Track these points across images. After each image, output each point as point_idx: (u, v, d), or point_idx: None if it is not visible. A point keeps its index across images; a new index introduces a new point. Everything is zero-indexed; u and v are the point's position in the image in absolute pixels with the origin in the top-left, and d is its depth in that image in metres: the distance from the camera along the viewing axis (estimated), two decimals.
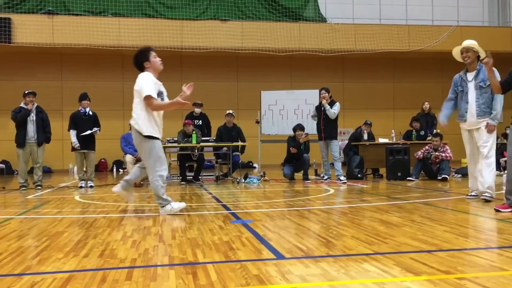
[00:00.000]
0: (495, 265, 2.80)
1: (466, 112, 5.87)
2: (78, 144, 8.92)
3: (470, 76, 5.90)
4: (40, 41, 14.45)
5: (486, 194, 5.62)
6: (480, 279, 2.47)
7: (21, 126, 8.65)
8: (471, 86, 5.86)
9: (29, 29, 14.35)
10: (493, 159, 5.71)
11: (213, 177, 10.50)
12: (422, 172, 9.73)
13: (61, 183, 10.29)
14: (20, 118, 8.58)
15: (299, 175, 10.05)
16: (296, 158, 9.90)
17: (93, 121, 9.08)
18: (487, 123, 5.68)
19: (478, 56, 5.86)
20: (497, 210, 4.85)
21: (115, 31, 14.92)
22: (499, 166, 10.25)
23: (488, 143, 5.68)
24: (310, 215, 5.06)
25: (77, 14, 14.95)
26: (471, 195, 6.08)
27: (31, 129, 8.68)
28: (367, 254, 3.08)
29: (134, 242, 3.62)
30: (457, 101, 6.06)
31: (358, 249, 3.25)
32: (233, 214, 5.09)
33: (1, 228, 4.37)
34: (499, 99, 5.66)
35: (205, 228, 4.17)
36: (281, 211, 5.42)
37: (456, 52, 6.04)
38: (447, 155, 9.42)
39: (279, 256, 3.10)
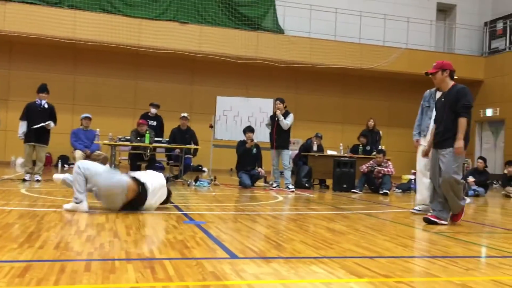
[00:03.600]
0: (429, 272, 3.08)
1: (427, 127, 6.09)
2: (22, 137, 8.68)
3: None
4: None
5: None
6: (415, 284, 2.74)
7: None
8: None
9: None
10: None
11: None
12: (365, 185, 10.19)
13: (3, 176, 9.95)
14: None
15: None
16: (249, 163, 10.02)
17: (49, 114, 8.79)
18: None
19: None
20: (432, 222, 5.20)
21: (70, 24, 14.59)
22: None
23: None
24: (261, 219, 5.25)
25: (31, 3, 14.49)
26: (415, 209, 6.16)
27: None
28: (315, 258, 3.29)
29: (88, 236, 3.66)
30: (421, 116, 6.26)
31: (307, 252, 3.47)
32: (185, 215, 5.19)
33: None
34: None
35: (159, 227, 4.26)
36: (232, 214, 5.58)
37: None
38: (389, 170, 9.92)
39: (233, 255, 3.25)
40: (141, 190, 5.10)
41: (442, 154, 5.24)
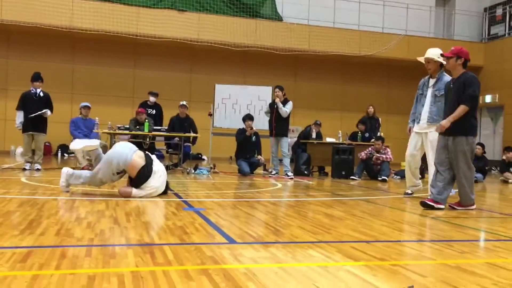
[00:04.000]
0: (424, 255, 3.13)
1: (420, 114, 6.25)
2: (20, 127, 8.71)
3: (431, 82, 6.23)
4: None
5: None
6: (410, 266, 2.78)
7: None
8: (429, 92, 6.20)
9: None
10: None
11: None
12: (364, 172, 10.23)
13: (3, 165, 9.99)
14: None
15: None
16: (248, 151, 10.06)
17: (45, 102, 8.81)
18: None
19: (442, 64, 6.13)
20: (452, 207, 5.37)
21: (67, 12, 14.53)
22: None
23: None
24: (259, 206, 5.30)
25: None
26: (407, 193, 6.55)
27: None
28: (312, 242, 3.34)
29: (89, 223, 3.71)
30: (416, 104, 6.41)
31: (304, 237, 3.51)
32: (185, 202, 5.24)
33: None
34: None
35: (159, 214, 4.31)
36: (231, 201, 5.63)
37: (421, 59, 6.31)
38: (388, 156, 9.96)
39: (231, 240, 3.30)
40: (146, 169, 5.23)
41: (450, 140, 5.36)
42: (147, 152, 5.53)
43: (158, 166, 5.44)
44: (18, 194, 5.36)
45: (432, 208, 5.25)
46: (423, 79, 6.46)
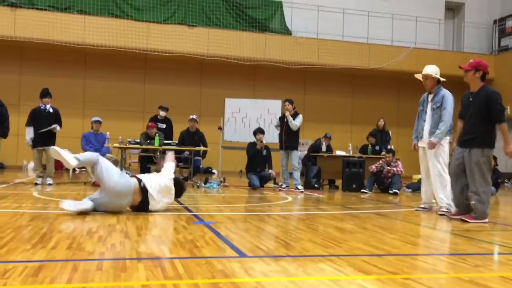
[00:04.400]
0: (437, 269, 3.10)
1: (423, 130, 6.39)
2: (31, 143, 8.81)
3: (430, 97, 6.40)
4: (1, 33, 14.11)
5: (443, 209, 6.04)
6: (423, 280, 2.75)
7: None
8: (428, 107, 6.37)
9: None
10: (445, 177, 6.09)
11: None
12: (375, 185, 10.17)
13: (15, 179, 10.08)
14: None
15: None
16: (259, 165, 10.05)
17: (54, 118, 8.93)
18: (429, 140, 6.14)
19: (439, 80, 6.33)
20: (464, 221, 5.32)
21: (79, 29, 14.76)
22: None
23: (436, 161, 6.13)
24: (270, 219, 5.28)
25: (41, 9, 14.69)
26: (420, 207, 6.55)
27: None
28: (323, 256, 3.31)
29: (100, 237, 3.72)
30: (418, 121, 6.55)
31: (315, 251, 3.49)
32: (195, 215, 5.24)
33: None
34: (446, 120, 6.11)
35: (169, 227, 4.31)
36: (241, 215, 5.62)
37: (418, 76, 6.49)
38: (399, 169, 9.90)
39: (242, 254, 3.29)
40: (143, 196, 5.14)
41: (466, 152, 5.41)
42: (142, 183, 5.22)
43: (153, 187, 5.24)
44: (30, 208, 5.40)
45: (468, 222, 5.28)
46: (422, 95, 6.58)
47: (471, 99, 5.51)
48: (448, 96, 6.20)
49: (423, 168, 6.49)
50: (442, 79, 6.34)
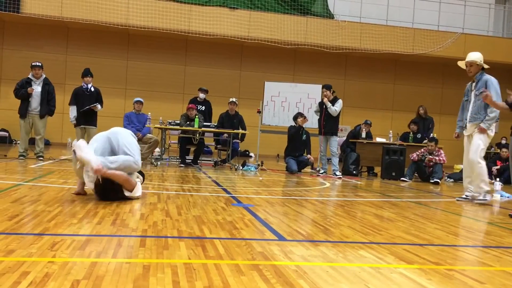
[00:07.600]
0: (481, 261, 3.01)
1: (467, 119, 6.26)
2: (74, 121, 9.07)
3: (473, 86, 6.25)
4: (48, 13, 14.51)
5: (479, 198, 5.92)
6: (467, 272, 2.68)
7: (24, 97, 8.75)
8: (472, 95, 6.22)
9: (38, 1, 14.40)
10: (482, 165, 5.97)
11: (211, 162, 10.70)
12: (415, 173, 9.96)
13: (61, 156, 10.43)
14: (19, 96, 8.72)
15: None
16: (298, 149, 10.01)
17: (96, 97, 9.16)
18: (479, 126, 5.99)
19: (483, 68, 6.15)
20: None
21: (123, 10, 14.98)
22: (491, 175, 10.50)
23: (475, 147, 5.98)
24: (308, 204, 5.27)
25: None
26: (462, 198, 6.39)
27: (35, 100, 8.77)
28: (363, 243, 3.28)
29: (142, 215, 3.81)
30: (462, 111, 6.42)
31: (355, 237, 3.46)
32: (234, 197, 5.28)
33: (12, 193, 4.54)
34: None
35: (209, 208, 4.36)
36: (279, 198, 5.63)
37: (461, 64, 6.30)
38: (441, 158, 9.64)
39: (281, 237, 3.29)
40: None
41: None
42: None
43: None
44: (75, 184, 5.56)
45: None
46: (467, 85, 6.39)
47: None
48: (492, 80, 5.98)
49: (466, 157, 6.32)
50: (486, 66, 6.11)
